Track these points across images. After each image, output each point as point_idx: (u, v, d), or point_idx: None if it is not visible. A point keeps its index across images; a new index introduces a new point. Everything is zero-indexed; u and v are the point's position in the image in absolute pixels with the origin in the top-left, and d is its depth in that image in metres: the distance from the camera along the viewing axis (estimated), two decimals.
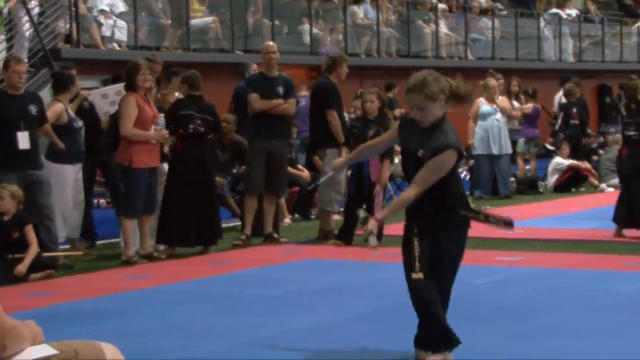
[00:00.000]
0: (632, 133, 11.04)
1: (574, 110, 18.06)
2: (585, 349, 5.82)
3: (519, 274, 8.73)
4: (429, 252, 5.46)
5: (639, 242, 10.69)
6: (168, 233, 10.47)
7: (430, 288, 5.47)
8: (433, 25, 21.74)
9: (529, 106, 17.39)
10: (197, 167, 10.48)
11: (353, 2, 20.41)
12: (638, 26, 27.95)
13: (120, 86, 10.53)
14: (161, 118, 10.38)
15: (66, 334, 5.29)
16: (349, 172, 11.53)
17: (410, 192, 5.45)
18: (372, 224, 5.51)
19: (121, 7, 15.86)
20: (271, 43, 12.00)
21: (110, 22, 15.60)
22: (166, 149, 10.65)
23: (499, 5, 24.76)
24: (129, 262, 9.86)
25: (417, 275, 5.45)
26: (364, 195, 10.95)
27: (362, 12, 20.23)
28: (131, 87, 9.98)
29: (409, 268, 5.50)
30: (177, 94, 11.55)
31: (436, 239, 5.47)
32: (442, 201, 5.47)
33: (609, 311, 6.96)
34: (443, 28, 22.05)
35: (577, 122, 18.09)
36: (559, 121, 18.37)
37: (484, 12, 23.75)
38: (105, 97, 10.78)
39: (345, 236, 11.10)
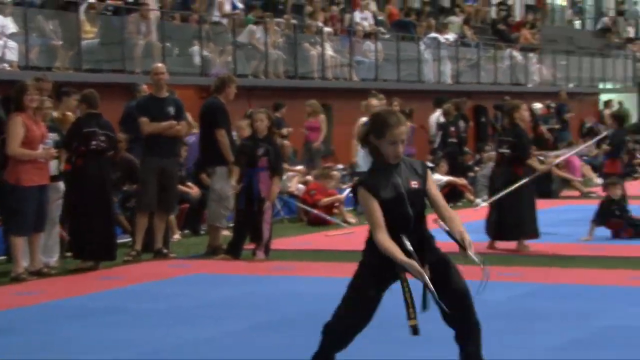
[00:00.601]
0: (505, 151, 11.29)
1: (452, 129, 18.43)
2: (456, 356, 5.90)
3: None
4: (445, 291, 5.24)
5: (509, 253, 10.95)
6: (82, 247, 10.42)
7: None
8: (319, 48, 21.89)
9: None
10: (98, 183, 10.40)
11: (255, 23, 20.41)
12: (510, 50, 28.66)
13: None
14: (50, 137, 10.23)
15: None
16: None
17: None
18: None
19: (12, 28, 15.52)
20: (159, 65, 11.93)
21: (1, 42, 15.27)
22: (62, 167, 10.52)
23: (381, 29, 25.06)
24: (18, 279, 9.66)
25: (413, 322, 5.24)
26: (254, 210, 10.96)
27: (258, 32, 20.26)
28: (19, 107, 9.84)
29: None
30: (69, 113, 11.41)
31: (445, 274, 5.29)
32: (427, 231, 5.33)
33: (480, 319, 7.08)
34: (329, 50, 22.22)
35: (454, 140, 18.46)
36: (438, 140, 18.71)
37: (367, 35, 24.02)
38: None
39: (234, 250, 11.09)
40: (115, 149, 10.99)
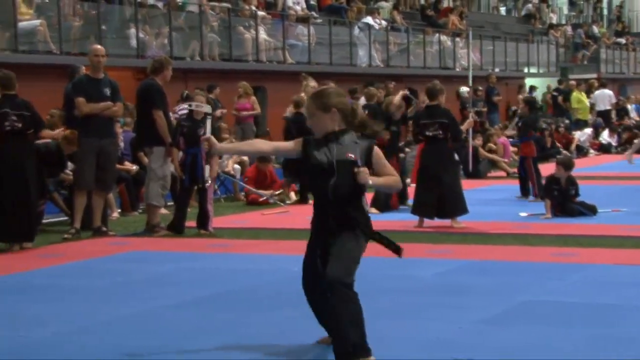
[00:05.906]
0: (436, 132, 11.32)
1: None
2: (386, 329, 6.01)
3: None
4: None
5: (436, 231, 11.09)
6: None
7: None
8: (253, 31, 21.83)
9: None
10: (14, 163, 10.15)
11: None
12: (439, 35, 28.87)
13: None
14: None
15: None
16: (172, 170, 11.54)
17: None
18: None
19: None
20: (99, 46, 11.76)
21: None
22: None
23: (314, 13, 25.07)
24: None
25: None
26: (197, 188, 11.24)
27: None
28: None
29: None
30: None
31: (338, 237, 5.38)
32: (352, 214, 5.35)
33: (410, 294, 7.21)
34: (262, 34, 22.16)
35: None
36: None
37: (300, 19, 24.00)
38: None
39: (178, 227, 11.19)
40: (38, 127, 10.59)
